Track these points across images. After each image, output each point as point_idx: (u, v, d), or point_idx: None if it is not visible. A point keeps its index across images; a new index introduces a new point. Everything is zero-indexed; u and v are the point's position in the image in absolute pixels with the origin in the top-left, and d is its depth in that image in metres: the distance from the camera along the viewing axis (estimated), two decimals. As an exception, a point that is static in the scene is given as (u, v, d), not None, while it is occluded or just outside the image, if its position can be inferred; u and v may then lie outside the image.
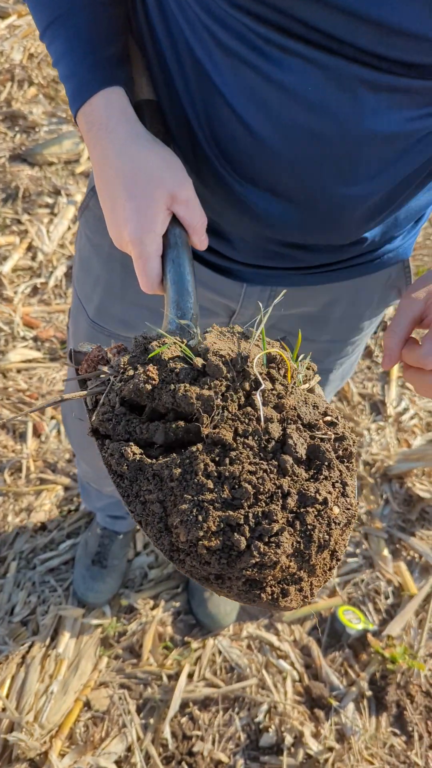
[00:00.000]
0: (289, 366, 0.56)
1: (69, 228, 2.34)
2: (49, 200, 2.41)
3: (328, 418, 0.55)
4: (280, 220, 0.74)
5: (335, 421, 0.55)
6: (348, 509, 0.52)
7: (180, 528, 0.48)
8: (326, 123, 0.63)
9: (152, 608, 1.58)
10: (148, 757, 1.38)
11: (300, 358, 0.60)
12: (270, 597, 0.48)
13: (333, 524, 0.50)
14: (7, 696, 1.42)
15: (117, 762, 1.37)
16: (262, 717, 1.45)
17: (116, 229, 0.67)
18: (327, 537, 0.49)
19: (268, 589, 0.48)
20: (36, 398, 1.90)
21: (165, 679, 1.48)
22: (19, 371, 1.95)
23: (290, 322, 0.94)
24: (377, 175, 0.69)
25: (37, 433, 1.84)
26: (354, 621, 1.58)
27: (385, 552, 1.73)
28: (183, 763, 1.38)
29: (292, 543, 0.48)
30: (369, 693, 1.51)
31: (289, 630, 1.60)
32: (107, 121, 0.66)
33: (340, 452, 0.54)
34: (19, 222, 2.34)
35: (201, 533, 0.46)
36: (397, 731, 1.49)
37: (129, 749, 1.39)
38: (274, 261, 0.83)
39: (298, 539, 0.48)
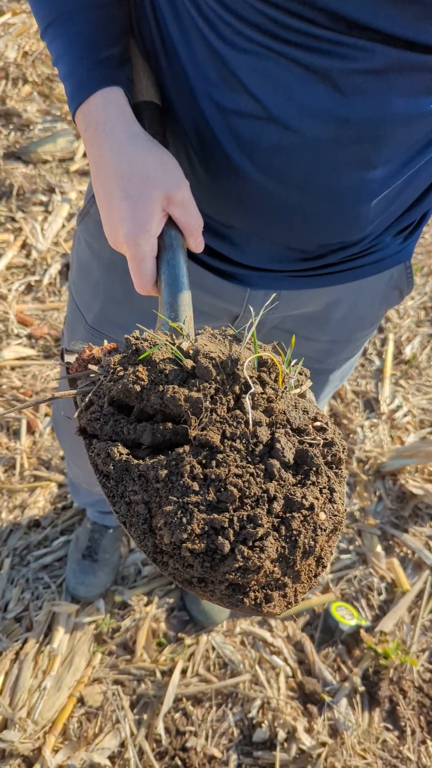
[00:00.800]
0: (281, 370, 0.56)
1: (63, 226, 2.34)
2: (44, 198, 2.41)
3: (318, 423, 0.55)
4: (295, 211, 0.74)
5: (325, 426, 0.55)
6: (335, 516, 0.51)
7: (164, 530, 0.47)
8: (351, 106, 0.63)
9: (146, 605, 1.58)
10: (141, 753, 1.38)
11: (293, 363, 0.60)
12: (253, 602, 0.48)
13: (319, 530, 0.49)
14: (1, 692, 1.42)
15: (110, 758, 1.37)
16: (255, 712, 1.45)
17: (112, 229, 0.67)
18: (312, 543, 0.49)
19: (252, 594, 0.48)
20: (30, 395, 1.90)
21: (158, 675, 1.48)
22: (13, 368, 1.95)
23: (292, 322, 0.94)
24: (396, 159, 0.69)
25: (31, 430, 1.84)
26: (347, 617, 1.59)
27: (378, 548, 1.74)
28: (176, 759, 1.39)
29: (277, 548, 0.48)
30: (362, 688, 1.52)
31: (283, 626, 1.60)
32: (105, 120, 0.66)
33: (329, 458, 0.53)
34: (13, 220, 2.34)
35: (185, 535, 0.46)
36: (390, 726, 1.49)
37: (122, 745, 1.39)
38: (281, 263, 0.83)
39: (283, 544, 0.48)
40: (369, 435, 1.97)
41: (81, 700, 1.44)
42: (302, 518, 0.49)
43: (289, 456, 0.51)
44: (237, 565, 0.46)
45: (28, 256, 2.25)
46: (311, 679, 1.52)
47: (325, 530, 0.50)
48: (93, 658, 1.49)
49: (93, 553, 1.58)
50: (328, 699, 1.49)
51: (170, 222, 0.67)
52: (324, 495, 0.51)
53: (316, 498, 0.50)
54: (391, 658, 1.53)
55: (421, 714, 1.52)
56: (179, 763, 1.38)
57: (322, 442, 0.54)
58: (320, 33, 0.59)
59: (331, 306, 0.92)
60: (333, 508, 0.51)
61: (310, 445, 0.52)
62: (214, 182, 0.74)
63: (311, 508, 0.49)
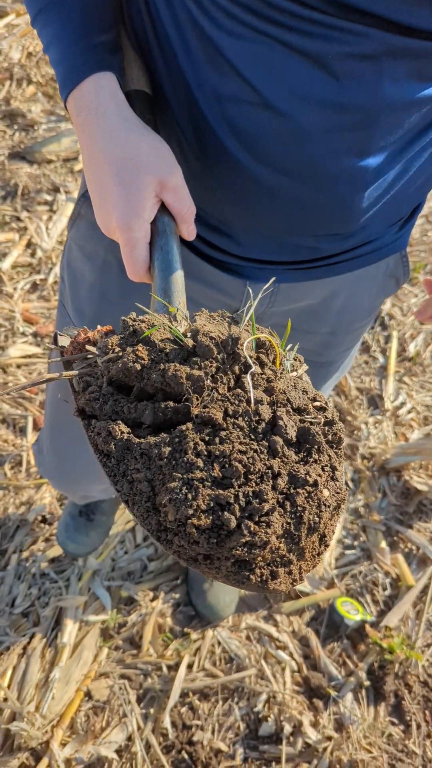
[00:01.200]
0: (278, 351, 0.56)
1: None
2: (48, 197, 2.42)
3: (318, 403, 0.55)
4: (290, 200, 0.74)
5: (324, 406, 0.55)
6: (338, 493, 0.52)
7: (169, 506, 0.47)
8: (344, 91, 0.63)
9: (152, 600, 1.59)
10: (148, 747, 1.39)
11: (288, 348, 0.60)
12: (259, 579, 0.48)
13: (323, 507, 0.49)
14: (9, 686, 1.43)
15: (117, 751, 1.38)
16: (261, 707, 1.46)
17: (104, 216, 0.66)
18: (317, 519, 0.49)
19: (258, 571, 0.47)
20: (36, 393, 1.91)
21: (165, 669, 1.49)
22: (18, 366, 1.97)
23: (291, 315, 0.94)
24: (390, 147, 0.69)
25: (37, 427, 1.85)
26: (352, 612, 1.60)
27: (383, 544, 1.75)
28: (183, 752, 1.40)
29: (283, 524, 0.47)
30: (367, 683, 1.53)
31: (288, 621, 1.61)
32: (97, 105, 0.65)
33: (330, 437, 0.54)
34: (18, 219, 2.35)
35: (190, 511, 0.46)
36: (395, 721, 1.50)
37: (129, 738, 1.40)
38: (278, 255, 0.83)
39: (289, 520, 0.48)
40: (373, 432, 1.97)
41: (88, 694, 1.45)
42: (307, 494, 0.49)
43: (292, 434, 0.51)
44: (244, 540, 0.46)
45: (33, 255, 2.26)
46: (317, 673, 1.53)
47: (329, 507, 0.50)
48: (100, 652, 1.50)
49: (90, 513, 1.55)
50: (333, 693, 1.50)
51: (163, 208, 0.66)
52: (326, 472, 0.51)
53: (319, 475, 0.50)
54: (396, 652, 1.54)
55: (426, 708, 1.52)
56: (186, 756, 1.39)
57: (323, 420, 0.54)
58: (315, 16, 0.59)
59: (329, 298, 0.92)
60: (335, 485, 0.51)
61: (311, 423, 0.53)
62: (210, 173, 0.74)
63: (315, 484, 0.49)
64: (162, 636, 1.55)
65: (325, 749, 1.42)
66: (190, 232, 0.69)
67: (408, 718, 1.50)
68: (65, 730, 1.39)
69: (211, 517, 0.46)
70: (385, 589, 1.69)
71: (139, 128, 0.66)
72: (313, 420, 0.53)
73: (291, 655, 1.55)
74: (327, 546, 0.52)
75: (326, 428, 0.54)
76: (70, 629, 1.50)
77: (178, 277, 0.63)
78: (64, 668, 1.45)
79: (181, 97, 0.71)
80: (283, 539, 0.48)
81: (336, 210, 0.75)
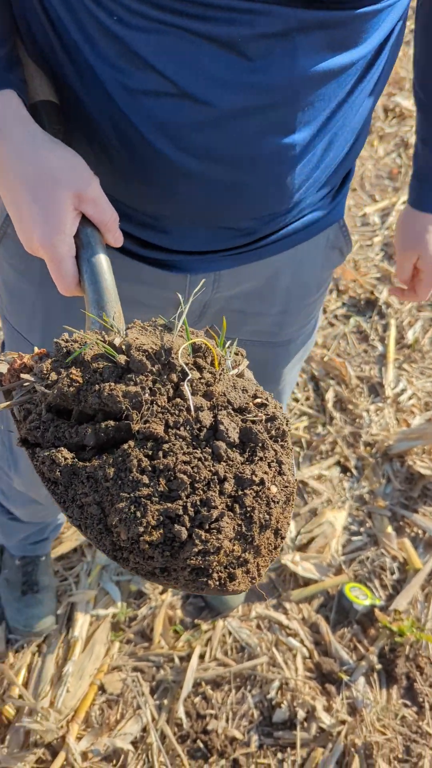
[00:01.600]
0: (215, 353, 0.56)
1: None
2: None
3: (258, 400, 0.56)
4: (221, 187, 0.73)
5: (265, 402, 0.56)
6: (286, 487, 0.52)
7: (120, 526, 0.47)
8: (259, 71, 0.63)
9: (161, 592, 1.60)
10: (163, 737, 1.40)
11: (227, 345, 0.60)
12: (218, 583, 0.48)
13: (272, 503, 0.50)
14: (26, 684, 1.44)
15: (133, 743, 1.39)
16: (274, 693, 1.47)
17: (26, 236, 0.66)
18: (267, 516, 0.50)
19: (215, 575, 0.48)
20: None
21: (177, 660, 1.50)
22: None
23: (239, 301, 0.93)
24: (314, 120, 0.70)
25: None
26: (361, 597, 1.61)
27: (389, 529, 1.76)
28: (198, 742, 1.41)
29: (234, 527, 0.48)
30: (379, 666, 1.53)
31: (298, 609, 1.62)
32: (2, 127, 0.64)
33: (273, 432, 0.54)
34: None
35: (141, 529, 0.47)
36: (408, 703, 1.51)
37: (144, 730, 1.41)
38: (216, 243, 0.82)
39: (239, 522, 0.49)
40: (375, 419, 1.98)
41: (102, 688, 1.46)
42: (254, 494, 0.50)
43: (234, 436, 0.51)
44: (196, 549, 0.47)
45: None
46: (328, 659, 1.54)
47: (278, 502, 0.51)
48: (111, 646, 1.51)
49: (33, 585, 1.51)
50: (345, 678, 1.51)
51: (85, 220, 0.66)
52: (273, 468, 0.52)
53: (266, 472, 0.51)
54: (407, 635, 1.55)
55: (439, 689, 1.53)
56: (201, 746, 1.40)
57: (264, 417, 0.54)
58: (216, 2, 0.59)
59: (273, 277, 0.91)
60: (283, 480, 0.52)
61: (253, 422, 0.53)
62: (136, 170, 0.73)
63: (262, 482, 0.50)
64: (173, 628, 1.56)
65: (339, 733, 1.43)
66: (116, 239, 0.69)
67: (421, 699, 1.51)
68: (80, 724, 1.41)
69: (162, 531, 0.47)
70: (392, 573, 1.69)
71: (47, 143, 0.65)
72: (254, 418, 0.53)
73: (302, 641, 1.56)
74: (283, 538, 0.53)
75: (268, 424, 0.54)
76: (81, 623, 1.51)
77: (110, 287, 0.63)
78: (77, 663, 1.46)
79: (97, 96, 0.69)
80: (237, 541, 0.49)
81: (269, 190, 0.75)
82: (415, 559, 1.70)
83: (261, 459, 0.52)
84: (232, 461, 0.50)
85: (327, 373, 2.09)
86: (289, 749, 1.42)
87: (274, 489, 0.51)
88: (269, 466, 0.52)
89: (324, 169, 0.78)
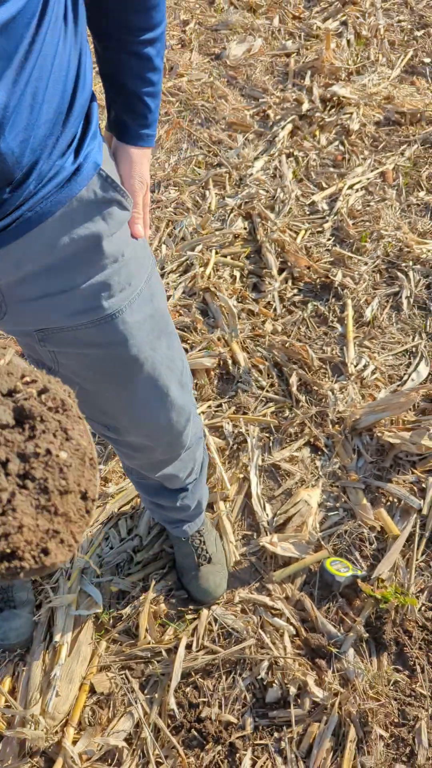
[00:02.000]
0: None
1: None
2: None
3: (26, 379, 0.56)
4: None
5: (35, 379, 0.56)
6: (77, 450, 0.52)
7: None
8: None
9: (143, 590, 1.60)
10: (157, 730, 1.39)
11: None
12: (33, 561, 0.48)
13: (65, 468, 0.50)
14: (13, 693, 1.43)
15: (127, 739, 1.38)
16: (264, 674, 1.47)
17: None
18: (64, 482, 0.50)
19: (28, 555, 0.47)
20: None
21: (164, 653, 1.50)
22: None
23: (30, 285, 0.89)
24: (3, 75, 0.67)
25: None
26: (342, 569, 1.61)
27: (364, 501, 1.77)
28: (192, 731, 1.40)
29: (31, 502, 0.48)
30: (366, 635, 1.54)
31: (281, 589, 1.62)
32: None
33: (50, 403, 0.54)
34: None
35: None
36: (400, 667, 1.51)
37: (137, 725, 1.40)
38: None
39: (36, 496, 0.49)
40: (340, 397, 2.00)
41: (92, 689, 1.45)
42: (44, 465, 0.50)
43: (7, 418, 0.51)
44: None
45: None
46: (316, 634, 1.54)
47: (70, 466, 0.51)
48: (98, 647, 1.51)
49: (9, 600, 1.52)
50: (335, 650, 1.51)
51: None
52: (59, 436, 0.52)
53: (51, 442, 0.51)
54: (391, 600, 1.55)
55: (429, 651, 1.53)
56: (196, 734, 1.40)
57: (35, 391, 0.54)
58: None
59: (53, 248, 0.86)
60: (73, 444, 0.52)
61: (26, 399, 0.53)
62: None
63: (48, 452, 0.50)
64: (158, 622, 1.55)
65: (332, 705, 1.43)
66: None
67: (412, 662, 1.51)
68: (75, 728, 1.40)
69: None
70: (371, 543, 1.70)
71: None
72: (25, 396, 0.54)
73: (288, 620, 1.56)
74: (94, 501, 0.53)
75: (42, 396, 0.54)
76: (63, 627, 1.51)
77: None
78: (65, 666, 1.46)
79: None
80: (40, 515, 0.49)
81: None
82: (392, 526, 1.71)
83: (44, 431, 0.51)
84: (12, 442, 0.50)
85: (289, 358, 2.11)
86: (284, 727, 1.42)
87: (64, 455, 0.51)
88: (54, 436, 0.52)
89: (42, 125, 0.74)
